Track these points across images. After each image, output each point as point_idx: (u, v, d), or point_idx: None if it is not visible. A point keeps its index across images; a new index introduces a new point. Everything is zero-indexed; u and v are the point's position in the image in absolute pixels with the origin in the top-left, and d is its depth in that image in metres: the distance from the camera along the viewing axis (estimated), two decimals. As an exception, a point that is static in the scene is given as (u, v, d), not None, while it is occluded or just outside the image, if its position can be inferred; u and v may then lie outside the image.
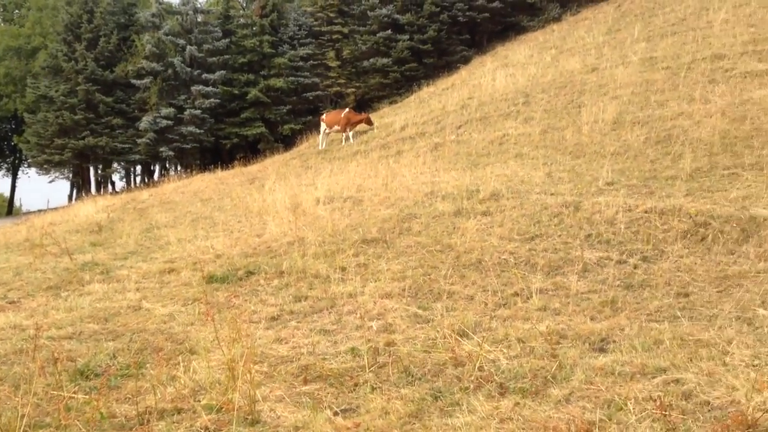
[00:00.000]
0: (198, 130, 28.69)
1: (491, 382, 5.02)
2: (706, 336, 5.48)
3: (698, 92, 12.90)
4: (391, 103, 26.51)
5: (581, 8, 26.56)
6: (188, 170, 27.66)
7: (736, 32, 16.18)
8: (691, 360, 5.05)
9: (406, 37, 27.91)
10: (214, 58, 30.06)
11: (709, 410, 4.30)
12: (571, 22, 25.40)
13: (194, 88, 28.87)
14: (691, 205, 8.21)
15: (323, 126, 21.49)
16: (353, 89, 29.54)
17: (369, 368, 5.35)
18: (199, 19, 31.61)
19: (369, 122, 20.69)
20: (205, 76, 29.37)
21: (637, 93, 14.06)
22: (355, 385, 5.16)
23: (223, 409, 4.70)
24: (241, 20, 31.07)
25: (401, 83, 28.08)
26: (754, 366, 4.84)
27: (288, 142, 27.76)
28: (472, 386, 4.97)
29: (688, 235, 7.72)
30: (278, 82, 28.95)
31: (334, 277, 7.80)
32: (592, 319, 6.27)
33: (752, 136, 10.49)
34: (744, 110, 11.42)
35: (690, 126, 11.50)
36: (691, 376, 4.74)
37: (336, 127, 20.93)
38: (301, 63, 29.82)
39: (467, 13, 27.74)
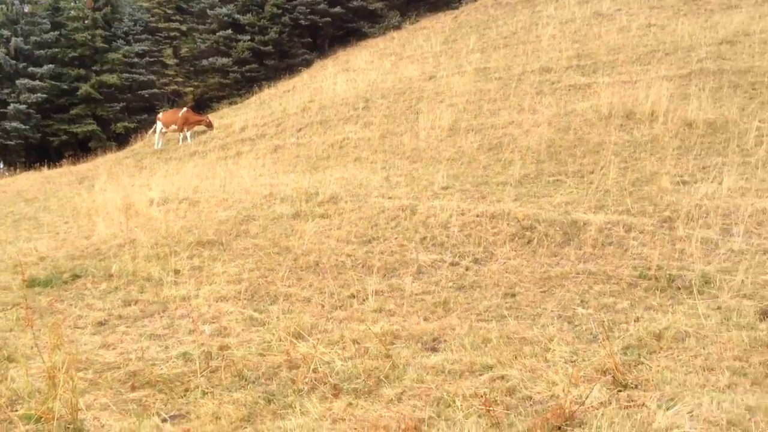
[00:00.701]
0: (23, 126, 27.01)
1: (325, 383, 5.03)
2: (530, 334, 5.74)
3: (527, 103, 13.54)
4: (231, 103, 26.10)
5: (420, 18, 27.25)
6: (12, 168, 25.99)
7: (562, 47, 17.12)
8: (516, 357, 5.28)
9: (247, 37, 27.57)
10: (41, 51, 28.41)
11: (530, 404, 4.51)
12: (411, 30, 26.01)
13: (19, 82, 27.17)
14: (519, 210, 8.60)
15: (159, 125, 20.81)
16: (191, 88, 28.86)
17: (201, 373, 5.23)
18: (26, 10, 29.80)
19: (209, 125, 20.18)
20: (31, 69, 27.71)
21: (472, 101, 14.58)
22: (186, 390, 5.02)
23: (43, 419, 4.44)
24: (72, 13, 29.53)
25: (242, 84, 27.71)
26: (572, 362, 5.13)
27: (121, 140, 26.68)
28: (306, 388, 4.97)
29: (516, 238, 8.07)
30: (111, 78, 27.75)
31: (166, 280, 7.57)
32: (425, 319, 6.43)
33: (575, 145, 11.12)
34: (568, 121, 12.09)
35: (519, 134, 12.05)
36: (515, 372, 4.95)
37: (173, 127, 20.33)
38: (136, 59, 28.77)
39: (309, 17, 27.76)
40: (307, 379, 5.07)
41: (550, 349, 5.42)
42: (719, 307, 5.98)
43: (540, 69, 15.69)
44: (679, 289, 6.52)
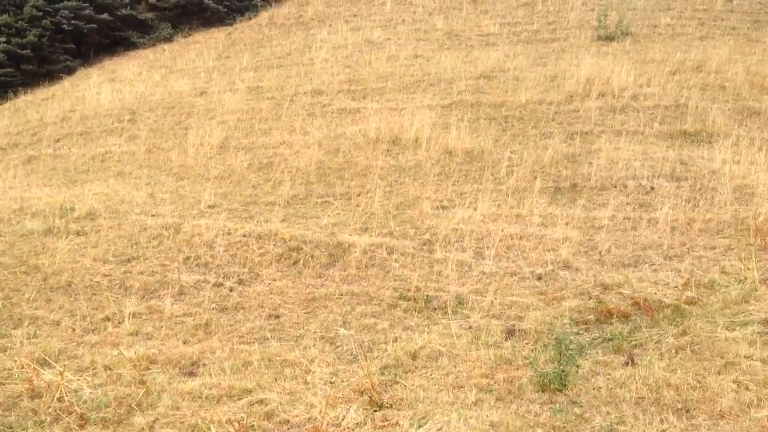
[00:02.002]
0: None
1: (71, 413, 4.71)
2: (292, 356, 5.75)
3: (299, 124, 13.64)
4: (-19, 109, 23.95)
5: (193, 31, 26.65)
6: None
7: (334, 71, 17.48)
8: (276, 380, 5.26)
9: (3, 39, 25.49)
10: None
11: (288, 428, 4.49)
12: (183, 43, 25.37)
13: None
14: (286, 231, 8.61)
15: None
16: (-65, 90, 26.17)
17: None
18: None
19: None
20: None
21: (243, 120, 14.45)
22: None
23: None
24: None
25: (-5, 88, 25.54)
26: (332, 383, 5.19)
27: None
28: (49, 419, 4.63)
29: (282, 259, 8.07)
30: None
31: None
32: (184, 342, 6.23)
33: (344, 168, 11.34)
34: (338, 144, 12.33)
35: (290, 155, 12.09)
36: (274, 395, 4.93)
37: None
38: None
39: (73, 22, 26.18)
40: (50, 409, 4.72)
41: (310, 370, 5.45)
42: (470, 327, 6.33)
43: (312, 91, 15.89)
44: (436, 309, 6.84)
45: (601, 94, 13.27)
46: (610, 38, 18.40)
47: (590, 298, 6.78)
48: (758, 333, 5.77)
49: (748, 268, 6.89)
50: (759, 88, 13.20)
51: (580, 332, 6.10)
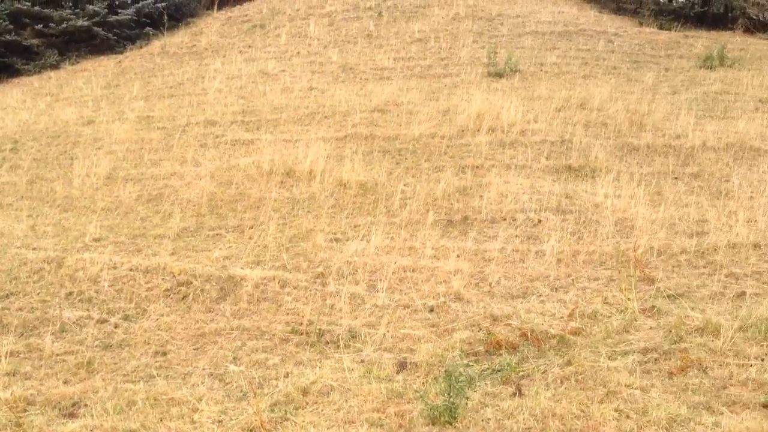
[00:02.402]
0: None
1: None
2: (179, 394, 5.59)
3: (190, 155, 13.41)
4: None
5: (82, 59, 25.86)
6: None
7: (228, 102, 17.31)
8: (161, 420, 5.10)
9: None
10: None
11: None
12: (70, 71, 24.59)
13: None
14: (175, 264, 8.41)
15: None
16: None
17: None
18: None
19: None
20: None
21: (132, 150, 14.10)
22: None
23: None
24: None
25: None
26: (219, 422, 5.08)
27: None
28: None
29: (171, 294, 7.87)
30: None
31: None
32: (65, 382, 5.98)
33: (237, 200, 11.21)
34: (231, 175, 12.18)
35: (181, 186, 11.86)
36: (159, 436, 4.76)
37: None
38: None
39: (-47, 46, 25.08)
40: None
41: (198, 409, 5.32)
42: (363, 361, 6.32)
43: (205, 122, 15.68)
44: (328, 343, 6.80)
45: (492, 128, 13.64)
46: (499, 75, 18.98)
47: (480, 329, 6.89)
48: (638, 362, 6.00)
49: (629, 299, 7.16)
50: (638, 125, 13.86)
51: (470, 364, 6.18)
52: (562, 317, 7.02)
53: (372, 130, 14.23)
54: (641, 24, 25.99)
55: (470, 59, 20.90)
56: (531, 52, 21.48)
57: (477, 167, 12.08)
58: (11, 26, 25.91)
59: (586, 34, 23.61)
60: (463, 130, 13.76)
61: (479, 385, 5.80)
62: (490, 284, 8.00)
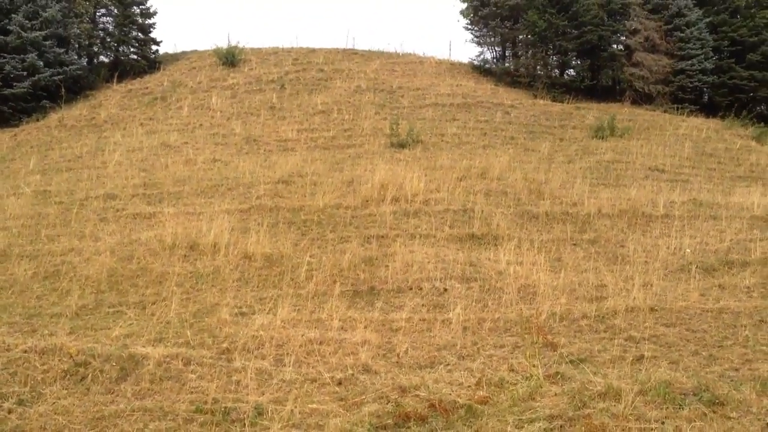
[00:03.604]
0: None
1: None
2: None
3: (89, 229, 13.08)
4: None
5: (-26, 132, 25.13)
6: None
7: (128, 174, 17.04)
8: None
9: None
10: None
11: None
12: (-38, 144, 23.82)
13: None
14: (73, 344, 8.08)
15: None
16: None
17: None
18: None
19: None
20: None
21: (28, 226, 13.65)
22: None
23: None
24: None
25: None
26: None
27: None
28: None
29: (68, 375, 7.54)
30: None
31: None
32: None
33: (138, 275, 10.94)
34: (132, 250, 11.91)
35: (80, 262, 11.51)
36: None
37: None
38: None
39: None
40: None
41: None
42: (270, 438, 6.18)
43: (105, 195, 15.37)
44: (234, 422, 6.63)
45: (395, 198, 13.86)
46: (402, 146, 19.41)
47: (389, 401, 6.87)
48: (544, 430, 6.09)
49: (534, 366, 7.30)
50: (536, 193, 14.37)
51: (379, 438, 6.14)
52: (469, 386, 7.07)
53: (277, 202, 14.24)
54: (535, 96, 27.17)
55: (373, 130, 21.32)
56: (432, 123, 22.10)
57: (382, 237, 12.22)
58: None
59: (484, 106, 24.49)
60: (367, 200, 13.93)
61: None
62: (398, 355, 8.01)
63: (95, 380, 7.47)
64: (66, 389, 7.33)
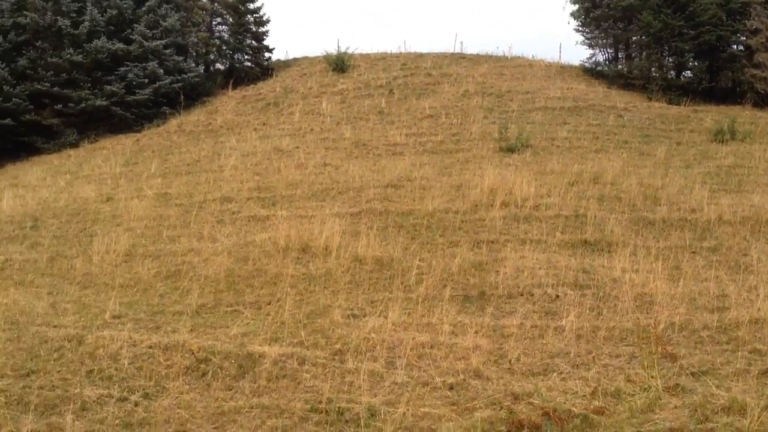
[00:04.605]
0: None
1: None
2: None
3: (207, 231, 13.57)
4: None
5: (100, 137, 26.42)
6: None
7: (243, 178, 17.58)
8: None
9: None
10: None
11: None
12: (89, 149, 25.09)
13: None
14: (194, 341, 8.43)
15: None
16: None
17: None
18: None
19: None
20: None
21: (151, 227, 14.28)
22: None
23: None
24: None
25: None
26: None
27: None
28: None
29: (190, 371, 7.87)
30: None
31: None
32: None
33: (254, 275, 11.28)
34: (247, 251, 12.29)
35: (199, 263, 11.97)
36: None
37: None
38: None
39: (-26, 126, 25.65)
40: None
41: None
42: (384, 440, 6.26)
43: (221, 198, 15.90)
44: (348, 422, 6.75)
45: (505, 203, 13.76)
46: (511, 150, 19.23)
47: (501, 408, 6.84)
48: (664, 442, 5.93)
49: (652, 377, 7.12)
50: (652, 199, 13.96)
51: (493, 443, 6.13)
52: (584, 395, 6.96)
53: (386, 206, 14.38)
54: (650, 99, 26.38)
55: (481, 134, 21.22)
56: (542, 127, 21.79)
57: (492, 242, 12.16)
58: (31, 106, 26.58)
59: (596, 109, 23.98)
60: (476, 205, 13.89)
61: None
62: (510, 361, 7.96)
63: (215, 377, 7.76)
64: (188, 384, 7.65)
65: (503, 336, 8.67)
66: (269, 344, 8.46)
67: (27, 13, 27.41)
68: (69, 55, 26.81)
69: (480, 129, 21.81)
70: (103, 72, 27.42)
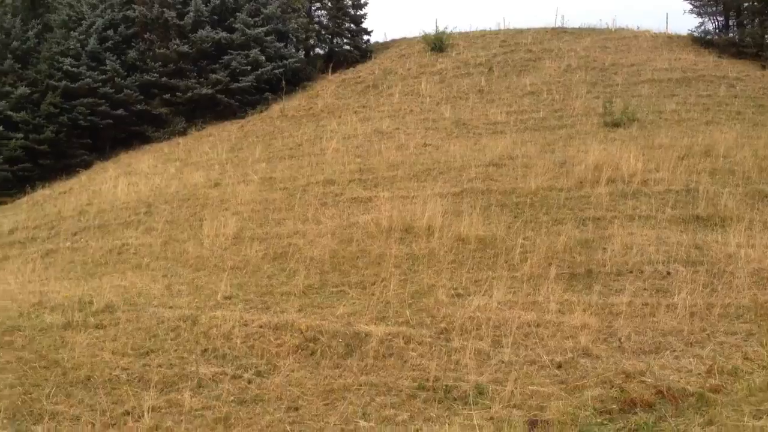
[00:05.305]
0: None
1: None
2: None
3: (311, 213, 13.80)
4: (-1, 203, 24.32)
5: (206, 125, 27.25)
6: None
7: (345, 161, 17.76)
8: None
9: (20, 135, 26.09)
10: None
11: None
12: (197, 136, 25.91)
13: None
14: (302, 321, 8.61)
15: None
16: (-46, 186, 26.60)
17: None
18: None
19: None
20: None
21: (257, 210, 14.63)
22: None
23: None
24: None
25: (12, 183, 25.91)
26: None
27: None
28: None
29: (299, 350, 8.05)
30: None
31: None
32: (204, 437, 6.18)
33: (358, 256, 11.41)
34: (351, 232, 12.43)
35: (304, 244, 12.19)
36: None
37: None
38: None
39: (89, 118, 26.87)
40: None
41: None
42: (492, 418, 6.26)
43: (324, 181, 16.12)
44: (455, 399, 6.77)
45: (611, 179, 13.42)
46: (616, 125, 18.71)
47: (612, 386, 6.71)
48: (786, 421, 5.69)
49: (771, 354, 6.84)
50: (768, 171, 13.33)
51: (604, 423, 6.01)
52: (699, 374, 6.74)
53: (488, 185, 14.26)
54: (764, 67, 25.12)
55: (585, 110, 20.73)
56: (648, 100, 21.10)
57: (598, 219, 11.89)
58: (141, 97, 27.65)
59: (706, 80, 23.03)
60: (581, 182, 13.60)
61: (615, 445, 5.64)
62: (620, 339, 7.79)
63: (324, 355, 7.91)
64: (298, 363, 7.83)
65: (612, 314, 8.49)
66: (375, 323, 8.56)
67: (135, 6, 28.47)
68: (176, 46, 27.72)
69: (583, 104, 21.31)
70: (208, 61, 28.24)
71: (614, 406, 6.32)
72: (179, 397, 7.01)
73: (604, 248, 10.52)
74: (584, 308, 8.60)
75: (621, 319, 8.26)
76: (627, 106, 19.41)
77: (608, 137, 17.42)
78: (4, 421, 6.46)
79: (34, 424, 6.42)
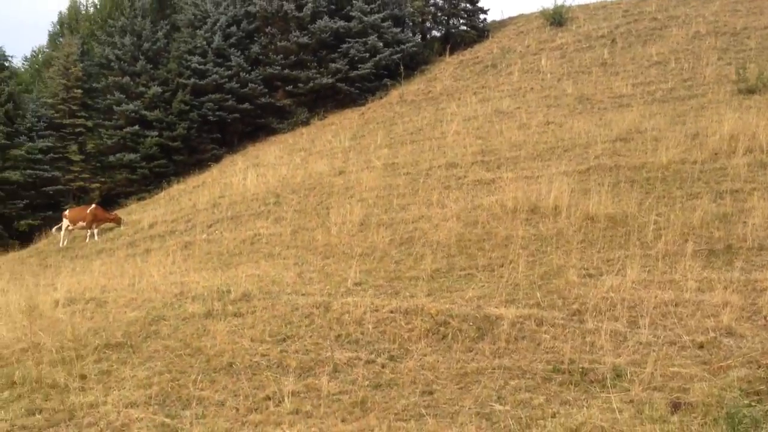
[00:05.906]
0: None
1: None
2: (450, 433, 5.72)
3: (435, 197, 13.83)
4: (139, 199, 25.64)
5: (328, 114, 27.77)
6: None
7: (466, 143, 17.68)
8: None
9: (155, 133, 27.41)
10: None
11: None
12: (319, 126, 26.43)
13: None
14: (432, 305, 8.65)
15: (65, 222, 20.21)
16: (98, 184, 28.22)
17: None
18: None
19: (118, 222, 19.88)
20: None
21: (381, 196, 14.79)
22: None
23: None
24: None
25: (150, 179, 27.34)
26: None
27: (24, 238, 25.63)
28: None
29: (430, 334, 8.10)
30: (14, 176, 26.85)
31: (73, 387, 7.25)
32: (343, 420, 6.34)
33: (484, 239, 11.35)
34: (476, 215, 12.38)
35: (429, 229, 12.23)
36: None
37: (81, 224, 19.82)
38: (39, 156, 28.01)
39: (217, 113, 27.90)
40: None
41: (470, 448, 5.40)
42: (632, 401, 6.11)
43: (446, 164, 16.11)
44: (592, 382, 6.65)
45: (749, 149, 12.78)
46: (751, 91, 17.75)
47: (759, 366, 6.41)
48: None
49: None
50: None
51: (753, 404, 5.75)
52: None
53: (616, 161, 13.86)
54: None
55: (716, 78, 19.76)
56: (787, 64, 19.87)
57: (736, 191, 11.35)
58: (265, 90, 28.44)
59: None
60: (716, 154, 13.02)
61: (765, 428, 5.39)
62: (765, 317, 7.43)
63: (455, 339, 7.93)
64: (430, 347, 7.89)
65: (756, 291, 8.10)
66: (505, 306, 8.50)
67: (255, 1, 29.23)
68: (296, 38, 28.32)
69: (714, 72, 20.31)
70: (327, 50, 28.72)
71: (762, 387, 6.04)
72: (317, 381, 7.20)
73: (744, 222, 10.03)
74: (725, 285, 8.24)
75: (766, 296, 7.86)
76: (763, 71, 18.35)
77: (743, 105, 16.55)
78: (155, 406, 6.82)
79: (183, 409, 6.75)
